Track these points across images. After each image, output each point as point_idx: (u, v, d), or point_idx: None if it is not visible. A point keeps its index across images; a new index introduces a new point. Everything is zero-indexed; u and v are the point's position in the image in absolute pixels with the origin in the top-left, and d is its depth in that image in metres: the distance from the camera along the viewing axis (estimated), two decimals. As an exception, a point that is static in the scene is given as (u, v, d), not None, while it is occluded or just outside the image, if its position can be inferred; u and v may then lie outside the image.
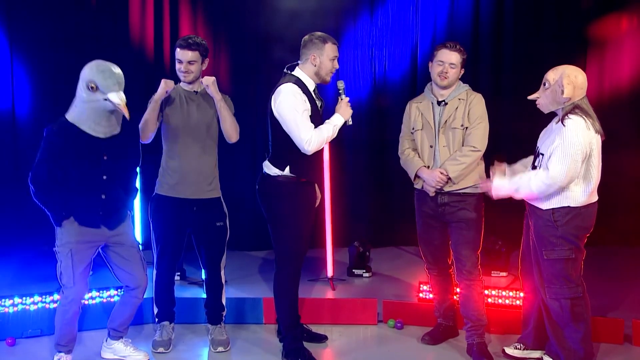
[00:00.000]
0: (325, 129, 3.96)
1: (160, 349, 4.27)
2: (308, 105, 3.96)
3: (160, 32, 6.28)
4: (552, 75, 3.81)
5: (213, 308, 4.42)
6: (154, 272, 4.34)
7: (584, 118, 3.71)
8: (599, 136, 3.77)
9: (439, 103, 4.23)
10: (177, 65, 4.14)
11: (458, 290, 4.42)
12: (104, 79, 3.57)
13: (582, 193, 3.76)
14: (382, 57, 6.50)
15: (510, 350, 4.21)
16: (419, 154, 4.27)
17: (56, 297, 4.47)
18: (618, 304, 4.93)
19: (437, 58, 4.18)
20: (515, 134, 5.81)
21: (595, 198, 3.83)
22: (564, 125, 3.72)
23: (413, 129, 4.28)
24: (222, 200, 4.36)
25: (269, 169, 4.07)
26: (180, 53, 4.12)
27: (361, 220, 6.53)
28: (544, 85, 3.84)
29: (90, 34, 6.09)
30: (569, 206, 3.77)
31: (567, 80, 3.74)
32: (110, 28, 6.17)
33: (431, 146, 4.22)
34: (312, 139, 3.89)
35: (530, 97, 3.91)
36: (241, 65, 6.40)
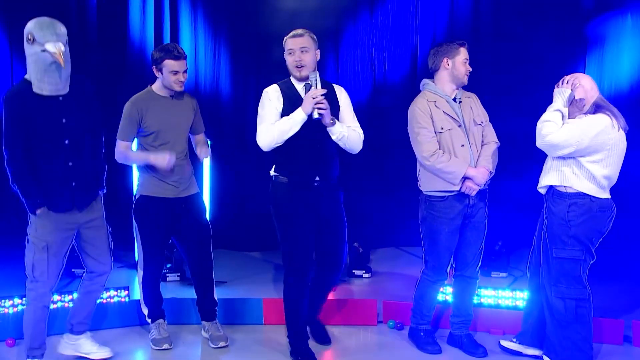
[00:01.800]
0: (280, 123, 3.95)
1: (165, 346, 4.28)
2: (277, 104, 4.00)
3: (160, 32, 6.27)
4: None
5: (206, 304, 4.44)
6: (141, 272, 4.34)
7: (610, 117, 3.77)
8: (623, 135, 3.82)
9: (454, 100, 4.20)
10: (172, 77, 4.12)
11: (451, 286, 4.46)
12: (40, 29, 3.55)
13: (580, 181, 3.81)
14: (382, 57, 6.49)
15: (505, 343, 4.26)
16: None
17: (56, 297, 4.46)
18: (618, 305, 4.93)
19: (463, 56, 4.14)
20: (515, 134, 5.81)
21: (604, 195, 3.84)
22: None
23: (442, 128, 4.09)
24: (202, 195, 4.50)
25: (271, 170, 4.11)
26: (176, 64, 4.11)
27: (361, 220, 6.53)
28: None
29: (90, 34, 6.09)
30: (584, 204, 3.80)
31: (574, 85, 3.83)
32: (110, 28, 6.17)
33: (462, 145, 4.12)
34: (260, 134, 3.97)
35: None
36: (241, 65, 6.40)
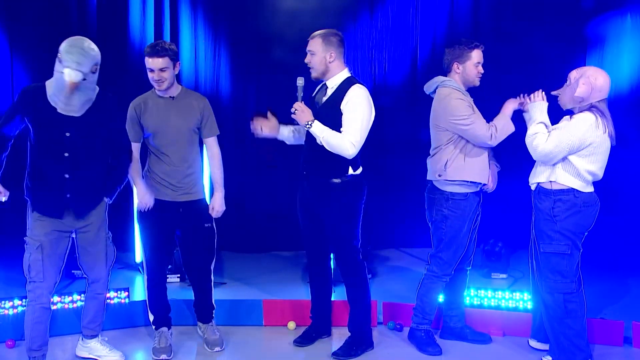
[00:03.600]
0: None
1: (163, 356, 4.22)
2: None
3: (160, 32, 6.27)
4: (574, 74, 3.89)
5: (203, 307, 4.43)
6: (145, 277, 4.33)
7: (596, 116, 3.77)
8: (608, 138, 3.82)
9: None
10: (149, 75, 4.05)
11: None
12: (67, 52, 3.54)
13: (566, 177, 3.84)
14: (382, 58, 6.48)
15: (533, 343, 4.31)
16: None
17: (56, 299, 4.46)
18: (618, 306, 4.93)
19: (475, 59, 4.16)
20: (516, 134, 5.78)
21: (587, 189, 3.86)
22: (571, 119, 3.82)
23: None
24: (207, 201, 4.37)
25: None
26: (149, 62, 4.00)
27: (362, 222, 6.52)
28: (566, 82, 3.93)
29: (90, 34, 6.08)
30: (569, 200, 3.83)
31: (583, 80, 3.82)
32: (110, 28, 6.16)
33: None
34: None
35: (553, 93, 3.99)
36: (241, 65, 6.40)
